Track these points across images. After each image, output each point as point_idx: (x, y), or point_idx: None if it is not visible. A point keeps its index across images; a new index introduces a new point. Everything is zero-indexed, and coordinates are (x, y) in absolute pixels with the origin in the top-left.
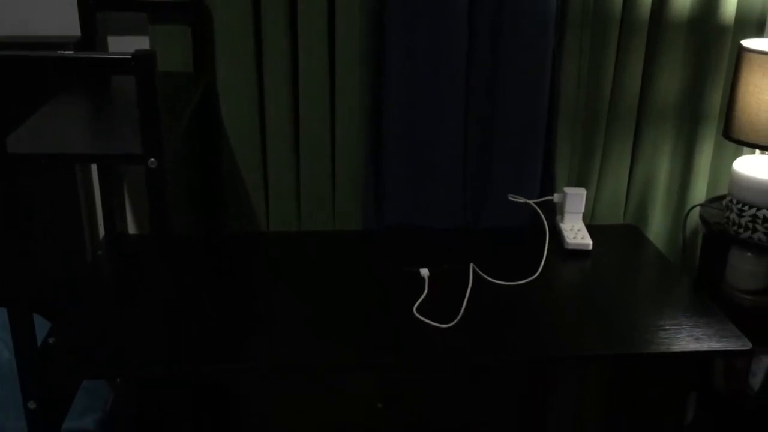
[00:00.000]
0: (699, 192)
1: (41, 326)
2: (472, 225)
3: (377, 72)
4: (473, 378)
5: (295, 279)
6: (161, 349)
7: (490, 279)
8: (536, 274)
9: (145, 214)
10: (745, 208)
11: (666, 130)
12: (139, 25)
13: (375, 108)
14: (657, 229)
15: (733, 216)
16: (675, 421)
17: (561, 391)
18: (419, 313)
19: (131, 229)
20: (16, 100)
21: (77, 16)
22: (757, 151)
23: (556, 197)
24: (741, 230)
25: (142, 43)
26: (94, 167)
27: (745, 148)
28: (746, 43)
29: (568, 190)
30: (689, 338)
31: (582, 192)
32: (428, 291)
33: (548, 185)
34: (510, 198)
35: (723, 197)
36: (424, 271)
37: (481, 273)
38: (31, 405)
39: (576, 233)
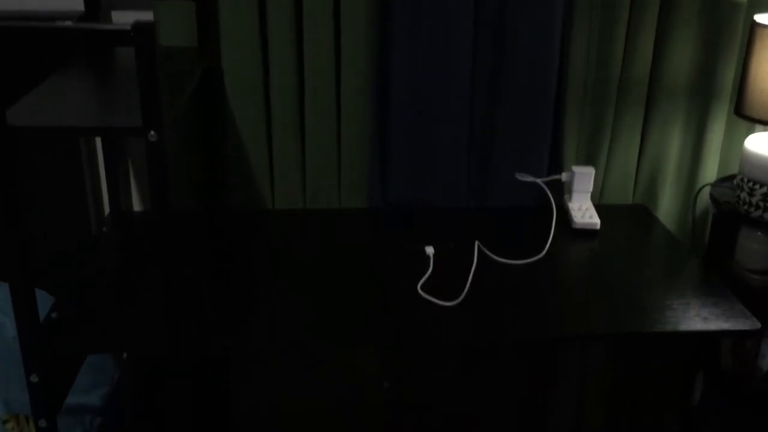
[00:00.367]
0: (710, 171)
1: (46, 301)
2: (478, 204)
3: (383, 48)
4: (478, 356)
5: (299, 256)
6: (163, 325)
7: (496, 257)
8: (543, 253)
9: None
10: (756, 186)
11: (677, 107)
12: (142, 0)
13: (380, 84)
14: (666, 208)
15: (743, 195)
16: (682, 402)
17: (566, 370)
18: (423, 291)
19: (136, 206)
20: (18, 72)
21: None
22: None
23: (564, 176)
24: (752, 209)
25: (145, 18)
26: (99, 144)
27: (758, 126)
28: (759, 18)
29: (576, 168)
30: (697, 318)
31: (590, 171)
32: (433, 269)
33: (556, 164)
34: (517, 176)
35: (734, 176)
36: (429, 249)
37: (486, 251)
38: (34, 378)
39: (584, 212)
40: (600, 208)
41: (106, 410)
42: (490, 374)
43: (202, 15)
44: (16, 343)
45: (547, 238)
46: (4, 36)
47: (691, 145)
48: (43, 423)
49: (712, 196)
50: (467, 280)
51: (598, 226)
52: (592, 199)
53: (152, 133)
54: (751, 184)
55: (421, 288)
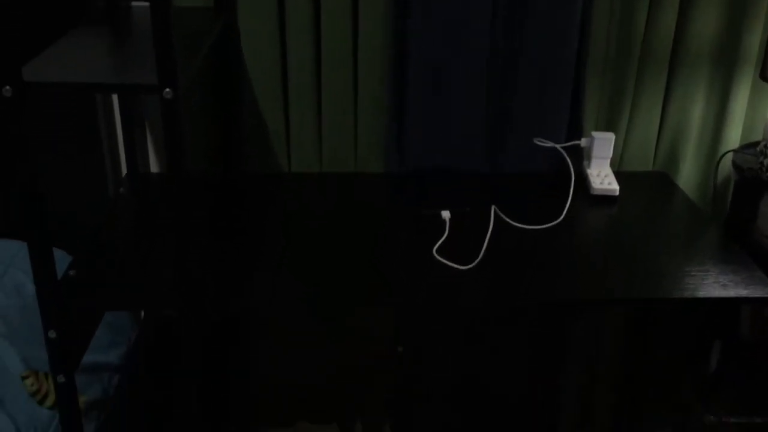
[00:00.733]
0: (733, 138)
1: (64, 260)
2: (495, 169)
3: (401, 12)
4: (491, 321)
5: (314, 219)
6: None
7: (512, 222)
8: (560, 219)
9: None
10: None
11: (701, 73)
12: None
13: (399, 48)
14: (687, 176)
15: (767, 161)
16: (698, 369)
17: (582, 336)
18: (439, 255)
19: (153, 169)
20: (35, 29)
21: None
22: None
23: (583, 142)
24: None
25: None
26: (116, 104)
27: None
28: None
29: (596, 134)
30: (716, 284)
31: (610, 137)
32: (449, 233)
33: (576, 130)
34: (535, 142)
35: (758, 143)
36: (445, 214)
37: (503, 216)
38: (52, 334)
39: (603, 179)
40: (619, 175)
41: (124, 369)
42: (503, 339)
43: None
44: (35, 303)
45: (565, 204)
46: None
47: (714, 112)
48: (61, 378)
49: (734, 163)
50: (483, 244)
51: (617, 193)
52: (612, 166)
53: (167, 90)
54: None
55: (437, 252)
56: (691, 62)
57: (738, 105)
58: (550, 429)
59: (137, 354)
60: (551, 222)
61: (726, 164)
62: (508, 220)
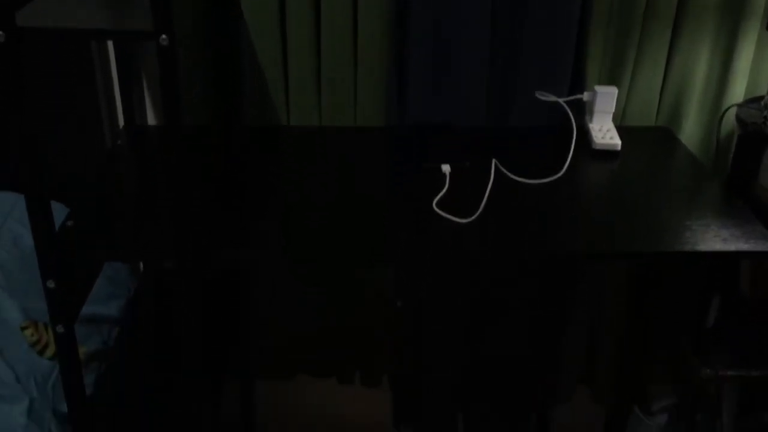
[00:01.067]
0: (737, 93)
1: (61, 212)
2: (497, 123)
3: None
4: (492, 274)
5: (313, 172)
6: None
7: (513, 176)
8: (561, 173)
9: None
10: None
11: (705, 26)
12: None
13: (400, 0)
14: (690, 131)
15: None
16: (696, 324)
17: (582, 290)
18: (439, 208)
19: (151, 121)
20: None
21: None
22: None
23: (585, 96)
24: None
25: None
26: (112, 55)
27: None
28: None
29: (598, 88)
30: (716, 238)
31: (613, 91)
32: (449, 187)
33: (578, 84)
34: (537, 96)
35: (762, 98)
36: (446, 167)
37: (503, 170)
38: (50, 284)
39: (605, 133)
40: (622, 130)
41: (124, 321)
42: (503, 292)
43: None
44: (34, 254)
45: (566, 159)
46: None
47: (718, 66)
48: (60, 329)
49: (738, 117)
50: (483, 197)
51: (619, 148)
52: (614, 120)
53: (163, 37)
54: None
55: (437, 205)
56: (695, 15)
57: (743, 59)
58: (550, 384)
59: (137, 306)
60: (552, 176)
61: (729, 119)
62: (508, 174)
